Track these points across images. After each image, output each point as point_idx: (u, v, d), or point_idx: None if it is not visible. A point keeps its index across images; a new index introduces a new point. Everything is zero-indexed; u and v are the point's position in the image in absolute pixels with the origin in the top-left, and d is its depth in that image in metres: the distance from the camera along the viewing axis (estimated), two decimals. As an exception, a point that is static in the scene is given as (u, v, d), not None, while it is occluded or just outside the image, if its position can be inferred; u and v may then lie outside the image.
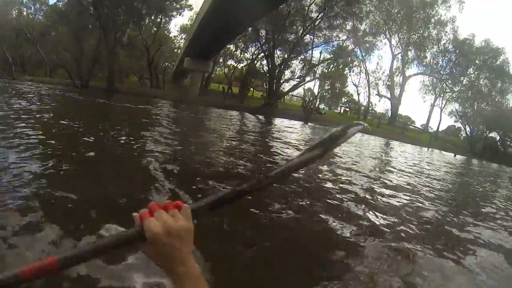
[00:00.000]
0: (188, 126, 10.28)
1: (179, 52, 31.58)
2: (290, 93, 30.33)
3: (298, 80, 26.39)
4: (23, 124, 5.26)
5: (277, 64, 26.01)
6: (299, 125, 20.80)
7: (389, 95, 40.65)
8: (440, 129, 38.60)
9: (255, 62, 31.41)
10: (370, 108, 41.17)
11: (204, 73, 27.32)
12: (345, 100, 45.46)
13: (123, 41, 23.87)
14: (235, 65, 35.71)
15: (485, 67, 33.21)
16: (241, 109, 23.68)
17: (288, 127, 16.19)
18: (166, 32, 31.13)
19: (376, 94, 40.82)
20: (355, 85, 39.42)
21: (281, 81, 27.25)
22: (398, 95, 40.47)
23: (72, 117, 7.16)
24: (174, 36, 36.43)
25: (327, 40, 26.34)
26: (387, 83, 40.24)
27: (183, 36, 33.12)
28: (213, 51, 23.61)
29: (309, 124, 23.22)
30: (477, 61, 33.57)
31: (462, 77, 35.29)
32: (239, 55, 32.37)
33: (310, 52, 25.33)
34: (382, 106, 53.63)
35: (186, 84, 28.15)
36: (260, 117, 21.90)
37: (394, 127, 36.31)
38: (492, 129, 34.01)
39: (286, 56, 26.34)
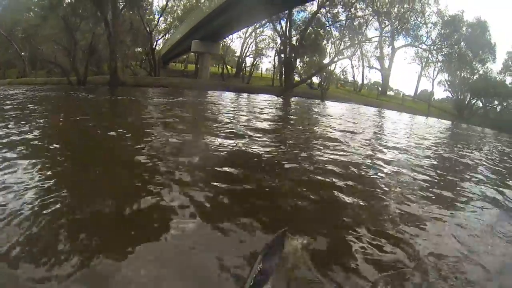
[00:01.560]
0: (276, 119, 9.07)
1: (166, 36, 29.26)
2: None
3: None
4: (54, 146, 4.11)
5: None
6: (326, 104, 20.33)
7: (379, 67, 41.79)
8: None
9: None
10: (365, 80, 41.86)
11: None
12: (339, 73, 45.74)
13: (125, 26, 21.14)
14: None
15: (471, 39, 34.77)
16: (263, 91, 22.69)
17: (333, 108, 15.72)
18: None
19: (367, 66, 41.63)
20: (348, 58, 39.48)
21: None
22: (388, 66, 41.74)
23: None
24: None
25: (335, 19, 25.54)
26: (377, 55, 41.07)
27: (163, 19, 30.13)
28: (225, 34, 22.18)
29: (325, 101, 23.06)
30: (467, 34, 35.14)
31: (446, 48, 36.93)
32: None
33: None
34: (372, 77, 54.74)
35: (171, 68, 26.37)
36: (293, 99, 21.16)
37: (388, 98, 37.95)
38: (476, 96, 36.38)
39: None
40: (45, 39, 22.97)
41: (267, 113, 8.67)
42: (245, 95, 19.55)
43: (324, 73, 25.18)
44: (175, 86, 20.73)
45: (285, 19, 24.50)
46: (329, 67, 26.14)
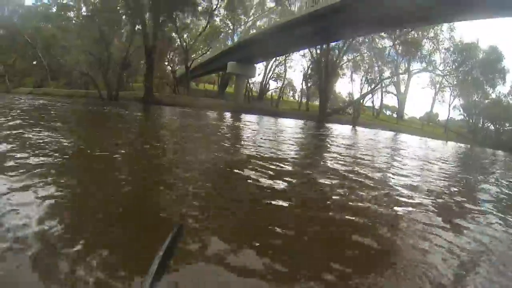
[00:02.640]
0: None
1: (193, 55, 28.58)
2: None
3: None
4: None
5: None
6: (365, 132, 19.63)
7: (395, 91, 42.10)
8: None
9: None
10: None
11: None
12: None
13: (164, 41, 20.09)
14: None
15: (486, 65, 35.33)
16: (301, 117, 21.86)
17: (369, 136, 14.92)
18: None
19: (384, 91, 41.84)
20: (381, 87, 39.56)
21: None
22: (404, 91, 42.15)
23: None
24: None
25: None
26: (393, 81, 41.38)
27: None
28: (262, 58, 21.79)
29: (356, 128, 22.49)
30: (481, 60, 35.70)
31: (460, 73, 37.47)
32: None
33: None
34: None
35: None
36: (331, 126, 20.32)
37: (407, 122, 38.15)
38: (488, 119, 36.91)
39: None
40: (74, 49, 21.85)
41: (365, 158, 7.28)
42: (287, 120, 18.63)
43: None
44: (211, 107, 19.70)
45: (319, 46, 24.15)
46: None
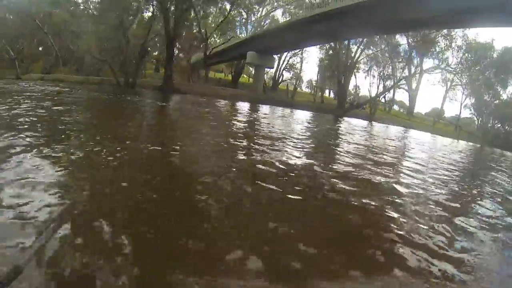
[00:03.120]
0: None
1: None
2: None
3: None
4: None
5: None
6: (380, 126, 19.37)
7: (406, 87, 41.70)
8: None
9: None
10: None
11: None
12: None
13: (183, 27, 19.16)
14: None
15: (499, 65, 34.90)
16: (317, 110, 21.35)
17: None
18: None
19: (396, 87, 41.44)
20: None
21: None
22: (415, 87, 41.73)
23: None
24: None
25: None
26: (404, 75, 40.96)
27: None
28: (282, 49, 21.35)
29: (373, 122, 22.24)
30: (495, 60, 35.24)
31: (473, 72, 37.00)
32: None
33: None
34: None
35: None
36: (349, 119, 19.91)
37: (418, 119, 38.00)
38: (498, 119, 36.77)
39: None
40: (89, 35, 21.05)
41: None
42: (310, 114, 18.20)
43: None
44: (231, 97, 19.14)
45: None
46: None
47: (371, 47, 24.85)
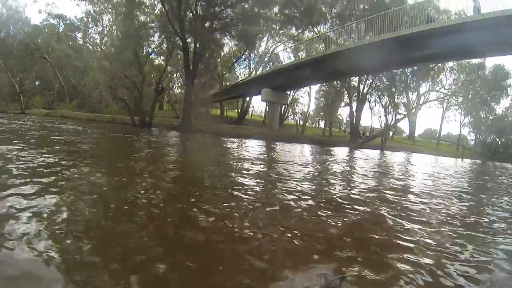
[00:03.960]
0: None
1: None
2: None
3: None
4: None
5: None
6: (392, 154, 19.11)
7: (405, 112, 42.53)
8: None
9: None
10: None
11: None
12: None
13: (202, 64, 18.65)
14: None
15: (491, 84, 36.34)
16: (336, 144, 20.90)
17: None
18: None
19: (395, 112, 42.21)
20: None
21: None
22: (413, 111, 42.59)
23: None
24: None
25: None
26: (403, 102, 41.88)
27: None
28: (297, 85, 21.34)
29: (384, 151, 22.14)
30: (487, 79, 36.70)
31: (468, 92, 38.31)
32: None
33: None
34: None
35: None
36: (363, 150, 19.45)
37: (421, 143, 38.45)
38: (495, 134, 37.93)
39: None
40: (96, 71, 20.20)
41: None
42: (329, 148, 17.67)
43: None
44: (253, 136, 18.44)
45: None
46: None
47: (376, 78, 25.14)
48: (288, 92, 23.87)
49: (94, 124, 17.96)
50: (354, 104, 25.55)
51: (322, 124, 34.86)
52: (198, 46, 17.36)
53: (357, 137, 24.28)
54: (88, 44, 32.24)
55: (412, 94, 31.52)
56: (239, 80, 24.27)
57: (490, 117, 38.89)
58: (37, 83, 31.65)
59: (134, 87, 17.79)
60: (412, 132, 43.39)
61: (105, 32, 30.32)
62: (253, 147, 11.92)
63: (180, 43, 17.12)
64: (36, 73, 27.61)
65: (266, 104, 26.65)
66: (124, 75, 17.76)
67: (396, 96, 25.87)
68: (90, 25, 31.36)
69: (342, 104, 30.46)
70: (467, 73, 37.24)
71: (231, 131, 18.69)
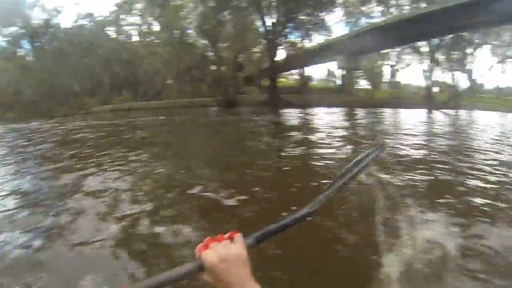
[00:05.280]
0: None
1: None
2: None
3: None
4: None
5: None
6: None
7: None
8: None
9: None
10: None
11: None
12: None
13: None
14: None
15: None
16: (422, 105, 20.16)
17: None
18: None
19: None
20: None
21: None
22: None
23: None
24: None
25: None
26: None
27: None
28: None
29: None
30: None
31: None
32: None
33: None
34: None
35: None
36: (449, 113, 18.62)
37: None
38: None
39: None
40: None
41: None
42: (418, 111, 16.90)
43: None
44: (340, 104, 17.87)
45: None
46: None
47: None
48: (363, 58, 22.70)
49: (183, 112, 16.68)
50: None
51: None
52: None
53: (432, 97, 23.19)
54: (122, 35, 30.82)
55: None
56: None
57: None
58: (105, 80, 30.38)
59: (209, 67, 16.95)
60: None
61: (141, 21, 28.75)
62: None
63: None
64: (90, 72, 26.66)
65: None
66: (202, 55, 16.89)
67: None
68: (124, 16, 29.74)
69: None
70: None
71: (317, 101, 17.97)
